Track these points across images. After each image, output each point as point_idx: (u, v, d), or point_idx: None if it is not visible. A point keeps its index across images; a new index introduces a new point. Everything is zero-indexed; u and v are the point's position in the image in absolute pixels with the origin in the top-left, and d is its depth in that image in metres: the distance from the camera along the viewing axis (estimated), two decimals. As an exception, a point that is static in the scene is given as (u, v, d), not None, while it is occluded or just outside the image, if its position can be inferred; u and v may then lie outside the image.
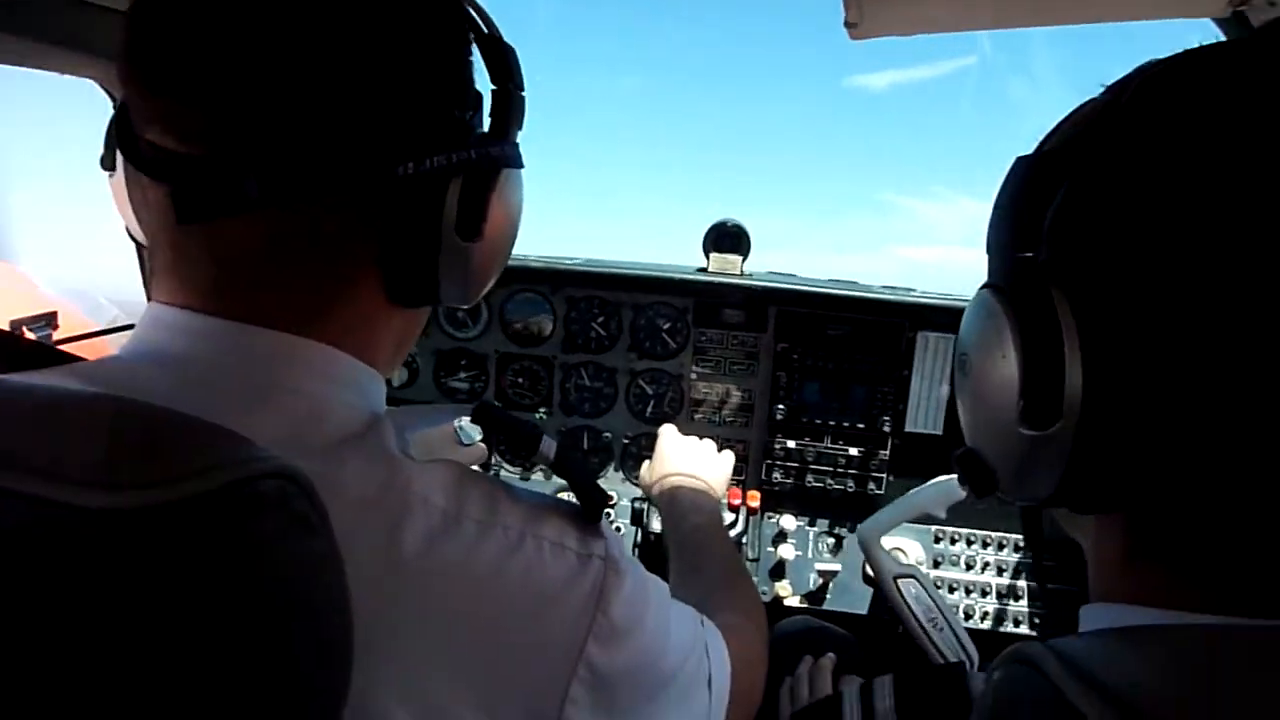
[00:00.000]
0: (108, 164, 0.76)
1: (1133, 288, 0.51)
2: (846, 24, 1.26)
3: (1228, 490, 0.51)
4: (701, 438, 1.83)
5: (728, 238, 2.26)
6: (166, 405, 0.49)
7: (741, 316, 2.27)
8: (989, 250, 0.62)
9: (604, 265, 2.34)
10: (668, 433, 1.85)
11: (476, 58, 0.75)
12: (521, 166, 0.78)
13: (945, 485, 1.85)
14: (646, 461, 1.81)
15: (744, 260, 2.26)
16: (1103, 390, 0.52)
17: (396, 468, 0.66)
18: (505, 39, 0.77)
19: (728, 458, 1.80)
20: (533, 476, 2.41)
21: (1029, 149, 0.63)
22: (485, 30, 0.75)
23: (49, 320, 1.56)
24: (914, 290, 2.28)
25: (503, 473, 2.43)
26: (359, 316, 0.72)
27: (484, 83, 0.76)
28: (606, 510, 2.26)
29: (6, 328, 1.67)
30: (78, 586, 0.42)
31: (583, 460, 0.79)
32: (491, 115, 0.75)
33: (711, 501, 1.61)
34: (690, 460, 1.71)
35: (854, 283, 2.39)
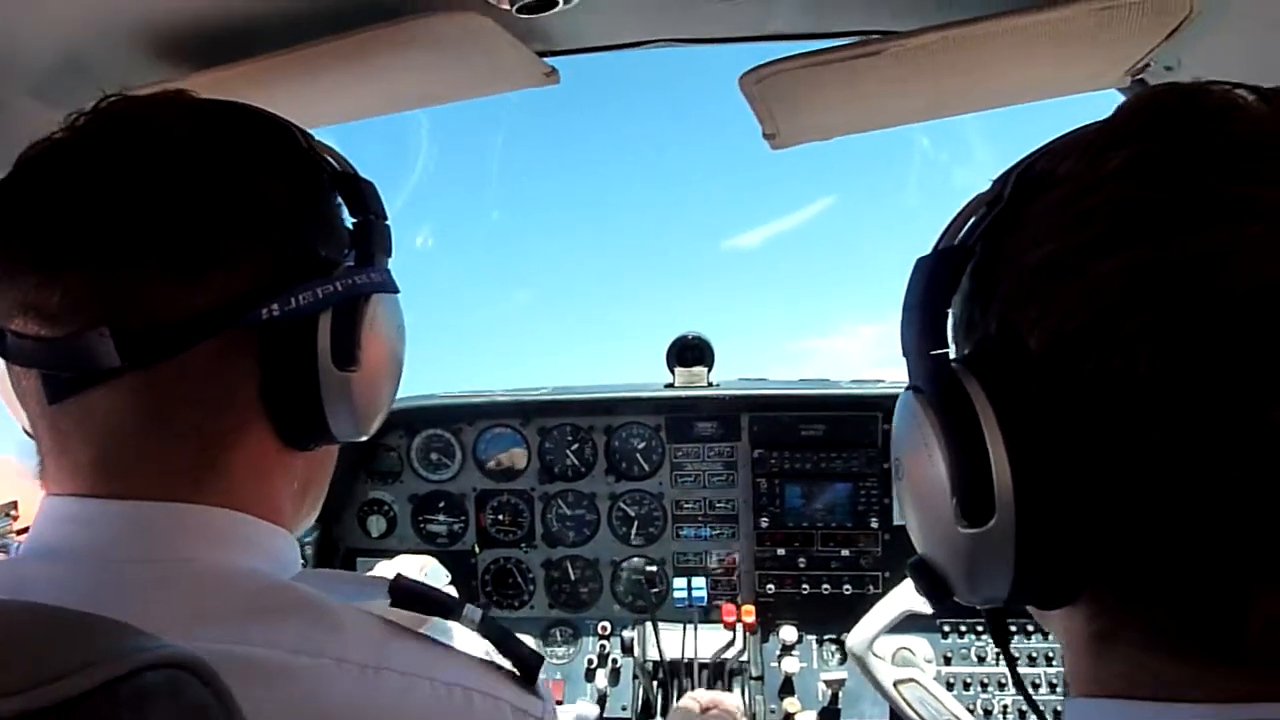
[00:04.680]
0: None
1: (1042, 370, 0.51)
2: (765, 135, 1.30)
3: (1183, 556, 0.49)
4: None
5: (690, 350, 2.27)
6: (55, 603, 0.47)
7: (714, 428, 2.26)
8: (905, 353, 0.62)
9: (572, 391, 2.35)
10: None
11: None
12: (393, 291, 0.79)
13: None
14: None
15: (709, 371, 2.27)
16: (1034, 477, 0.51)
17: (306, 632, 0.63)
18: (359, 174, 0.79)
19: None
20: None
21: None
22: (338, 168, 0.77)
23: (7, 510, 1.54)
24: (883, 381, 2.28)
25: (492, 612, 2.36)
26: (251, 469, 0.71)
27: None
28: (602, 640, 2.20)
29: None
30: None
31: (507, 629, 0.75)
32: (355, 246, 0.77)
33: None
34: None
35: (824, 380, 2.39)
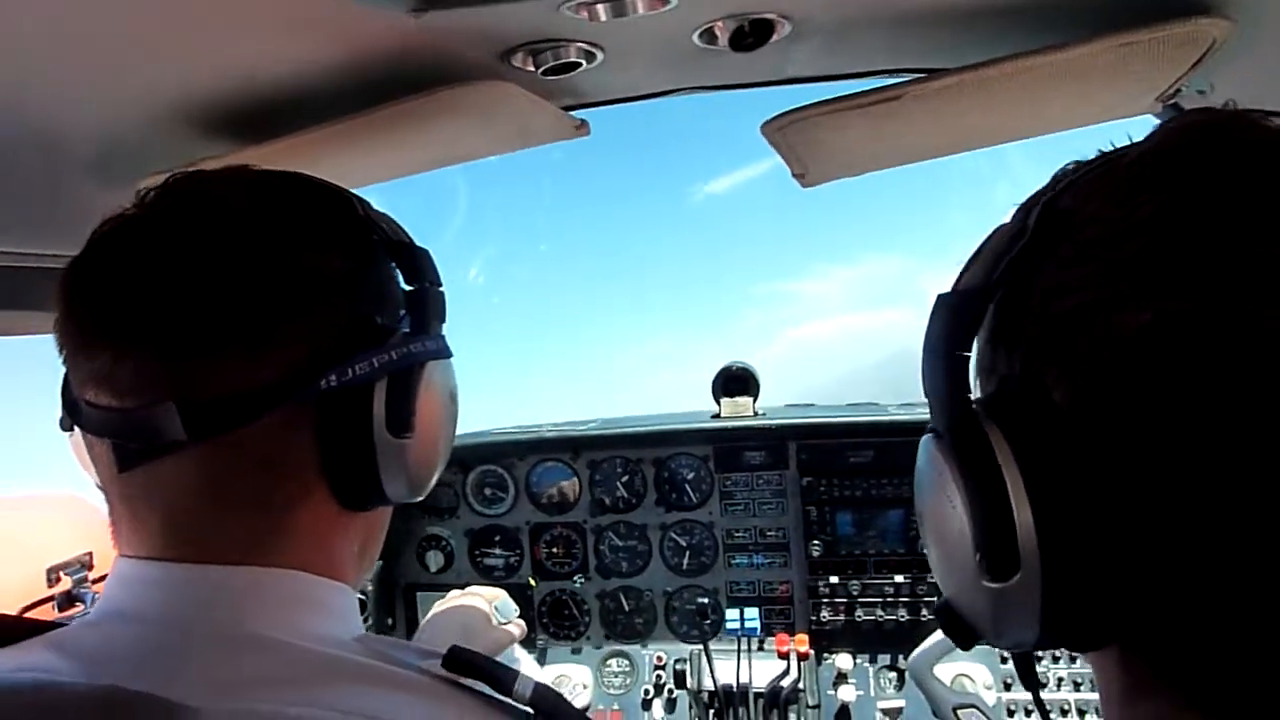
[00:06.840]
0: (65, 426, 0.82)
1: (1070, 425, 0.49)
2: (794, 175, 1.32)
3: (1213, 612, 0.47)
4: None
5: (735, 381, 2.29)
6: (133, 667, 0.50)
7: (762, 457, 2.27)
8: (927, 394, 0.60)
9: (620, 424, 2.38)
10: None
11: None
12: (447, 357, 0.81)
13: None
14: None
15: (755, 400, 2.28)
16: (1059, 533, 0.49)
17: (368, 696, 0.65)
18: (414, 243, 0.82)
19: None
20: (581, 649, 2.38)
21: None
22: (392, 238, 0.79)
23: (84, 562, 1.62)
24: (932, 405, 2.26)
25: (549, 644, 2.40)
26: (313, 531, 0.73)
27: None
28: (658, 670, 2.21)
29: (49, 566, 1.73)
30: None
31: (562, 698, 0.74)
32: (410, 314, 0.79)
33: None
34: None
35: (872, 405, 2.38)
